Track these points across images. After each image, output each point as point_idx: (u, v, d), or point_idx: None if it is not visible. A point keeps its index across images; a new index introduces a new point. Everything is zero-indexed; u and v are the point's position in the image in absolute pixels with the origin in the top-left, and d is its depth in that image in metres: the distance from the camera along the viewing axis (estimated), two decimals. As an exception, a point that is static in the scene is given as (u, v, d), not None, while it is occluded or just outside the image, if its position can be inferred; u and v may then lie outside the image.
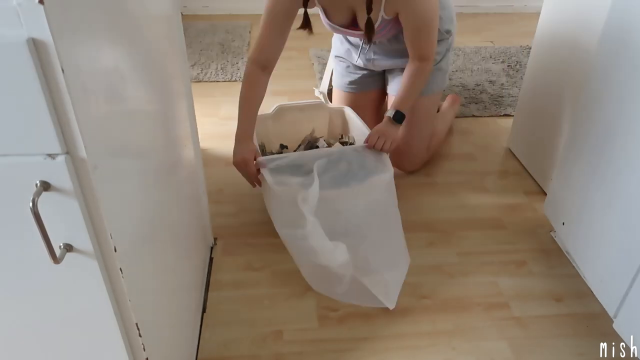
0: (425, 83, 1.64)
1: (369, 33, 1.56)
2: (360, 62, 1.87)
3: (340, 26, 1.64)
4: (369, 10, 1.49)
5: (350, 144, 1.75)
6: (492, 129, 2.17)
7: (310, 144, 1.76)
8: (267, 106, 1.78)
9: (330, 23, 1.65)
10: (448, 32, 1.77)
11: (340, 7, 1.57)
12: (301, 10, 1.55)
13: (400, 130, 1.80)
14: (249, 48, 2.85)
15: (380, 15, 1.53)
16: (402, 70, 1.77)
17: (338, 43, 1.94)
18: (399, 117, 1.57)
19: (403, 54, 1.76)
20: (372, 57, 1.82)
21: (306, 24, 1.58)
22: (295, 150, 1.78)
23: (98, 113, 0.66)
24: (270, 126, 1.71)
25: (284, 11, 1.51)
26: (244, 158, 1.45)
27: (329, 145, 1.75)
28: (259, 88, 1.56)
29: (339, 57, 1.94)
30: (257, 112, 1.55)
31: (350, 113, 1.81)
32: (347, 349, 1.27)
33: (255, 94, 1.55)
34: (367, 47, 1.79)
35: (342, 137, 1.81)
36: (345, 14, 1.60)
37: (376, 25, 1.56)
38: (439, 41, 1.75)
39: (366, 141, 1.50)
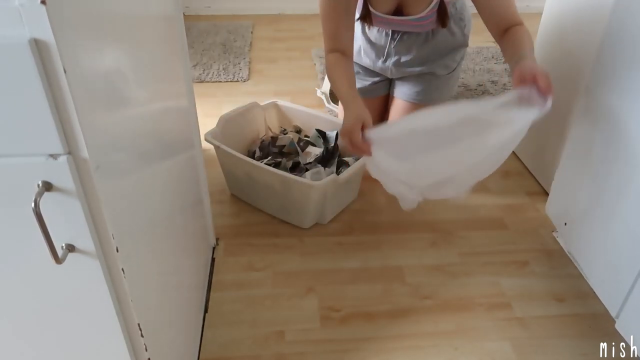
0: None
1: (443, 17, 1.50)
2: (378, 63, 1.80)
3: (385, 14, 1.56)
4: None
5: (306, 136, 1.78)
6: (494, 129, 2.16)
7: (265, 143, 1.77)
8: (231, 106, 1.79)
9: (374, 11, 1.56)
10: (468, 37, 1.75)
11: None
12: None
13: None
14: (251, 48, 2.85)
15: None
16: (413, 77, 1.75)
17: None
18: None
19: (428, 60, 1.72)
20: (394, 59, 1.75)
21: (365, 16, 1.52)
22: (256, 157, 1.74)
23: (100, 113, 0.67)
24: (222, 140, 1.65)
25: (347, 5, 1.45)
26: (349, 128, 1.25)
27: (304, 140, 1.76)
28: (347, 65, 1.48)
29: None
30: (355, 85, 1.46)
31: (283, 104, 1.82)
32: (349, 349, 1.27)
33: (345, 71, 1.46)
34: (394, 43, 1.71)
35: (285, 131, 1.84)
36: (390, 1, 1.52)
37: (429, 8, 1.49)
38: (460, 47, 1.73)
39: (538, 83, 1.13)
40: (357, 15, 1.51)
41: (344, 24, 1.47)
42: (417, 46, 1.70)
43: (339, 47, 1.49)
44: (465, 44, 1.75)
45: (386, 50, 1.75)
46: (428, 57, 1.71)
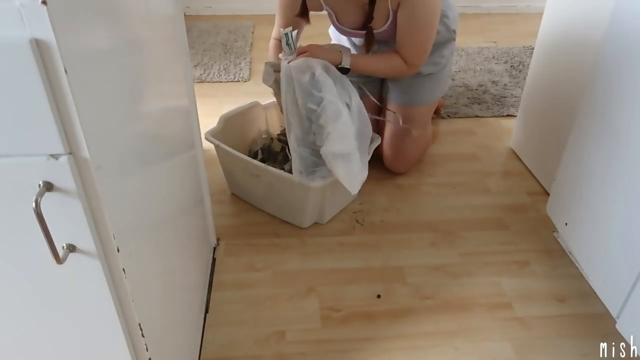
0: (390, 76, 1.67)
1: (369, 41, 1.57)
2: None
3: (352, 29, 1.63)
4: (372, 5, 1.48)
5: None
6: (495, 130, 2.16)
7: (268, 147, 1.76)
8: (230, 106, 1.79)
9: (341, 26, 1.63)
10: (454, 31, 1.76)
11: (350, 8, 1.56)
12: None
13: (397, 134, 1.80)
14: (252, 48, 2.85)
15: (390, 9, 1.51)
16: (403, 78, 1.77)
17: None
18: (344, 71, 1.56)
19: None
20: None
21: (303, 13, 1.61)
22: (257, 157, 1.74)
23: (101, 113, 0.67)
24: (222, 139, 1.66)
25: (291, 4, 1.59)
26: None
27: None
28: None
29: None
30: None
31: None
32: (350, 350, 1.27)
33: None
34: (378, 46, 1.76)
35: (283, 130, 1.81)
36: (356, 16, 1.58)
37: (388, 23, 1.54)
38: (446, 42, 1.74)
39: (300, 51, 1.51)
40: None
41: (292, 21, 1.63)
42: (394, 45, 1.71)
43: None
44: (452, 39, 1.77)
45: (371, 53, 1.76)
46: None
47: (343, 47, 1.58)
